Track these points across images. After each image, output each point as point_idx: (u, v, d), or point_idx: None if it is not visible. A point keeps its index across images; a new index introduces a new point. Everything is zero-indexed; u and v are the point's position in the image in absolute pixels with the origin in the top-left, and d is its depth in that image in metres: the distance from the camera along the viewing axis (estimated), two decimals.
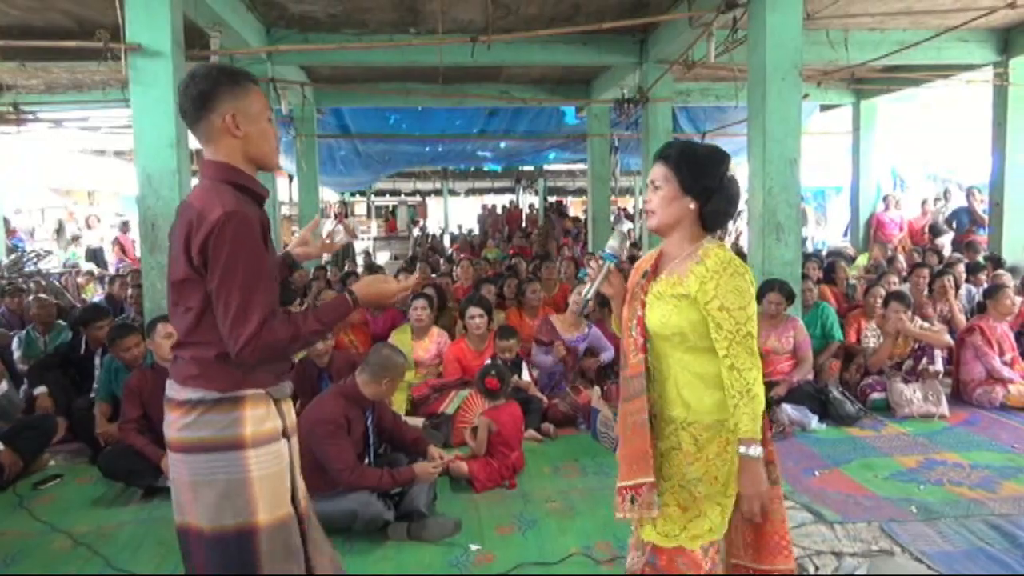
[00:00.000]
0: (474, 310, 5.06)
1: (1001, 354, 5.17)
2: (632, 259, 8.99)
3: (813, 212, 15.02)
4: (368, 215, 22.53)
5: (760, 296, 4.92)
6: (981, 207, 9.20)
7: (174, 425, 1.77)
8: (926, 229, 10.80)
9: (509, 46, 7.13)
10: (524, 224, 17.50)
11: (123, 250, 12.07)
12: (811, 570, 2.87)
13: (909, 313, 5.13)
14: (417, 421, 4.55)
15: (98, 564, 3.09)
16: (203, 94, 1.76)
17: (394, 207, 21.84)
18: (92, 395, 4.68)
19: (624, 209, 19.26)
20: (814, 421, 4.65)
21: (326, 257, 10.02)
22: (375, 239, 17.77)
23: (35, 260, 10.66)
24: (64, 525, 3.47)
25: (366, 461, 3.40)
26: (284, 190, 12.56)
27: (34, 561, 3.16)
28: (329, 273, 8.48)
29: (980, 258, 7.77)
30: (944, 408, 4.85)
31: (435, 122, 11.59)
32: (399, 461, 3.49)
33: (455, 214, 23.27)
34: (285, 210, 14.25)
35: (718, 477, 1.88)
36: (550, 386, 5.10)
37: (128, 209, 15.45)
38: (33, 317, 5.77)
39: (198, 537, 1.78)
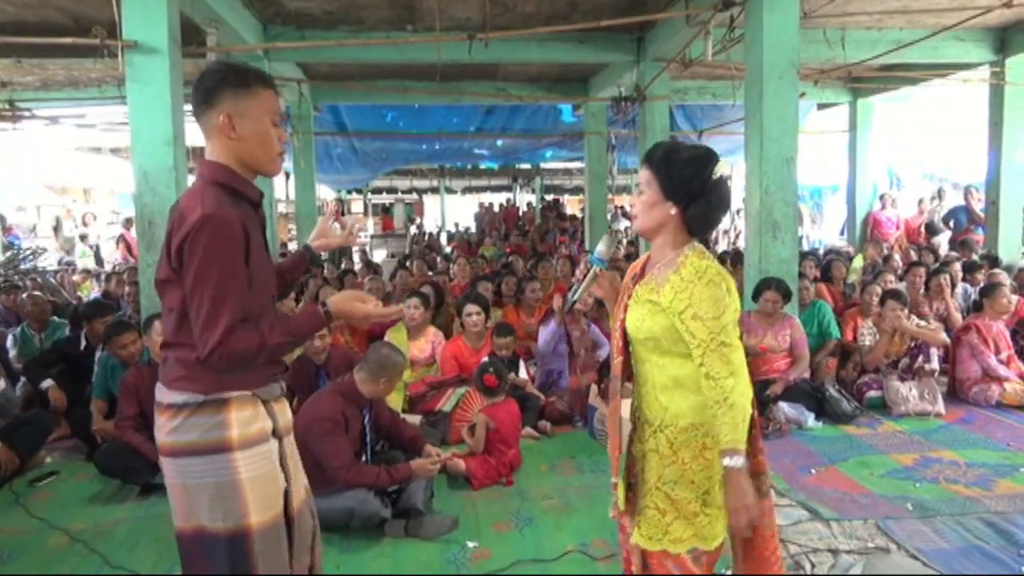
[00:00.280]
0: (471, 307, 5.05)
1: (997, 352, 5.19)
2: (629, 257, 9.04)
3: (809, 211, 15.04)
4: (365, 212, 22.49)
5: (757, 294, 4.94)
6: (979, 206, 9.23)
7: (163, 429, 1.77)
8: (922, 228, 10.83)
9: (506, 44, 7.12)
10: (521, 222, 17.49)
11: (128, 247, 11.82)
12: (807, 568, 2.88)
13: (905, 311, 5.14)
14: (415, 419, 4.54)
15: (95, 561, 3.09)
16: (207, 90, 1.76)
17: (391, 205, 21.81)
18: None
19: (621, 207, 19.24)
20: (810, 419, 4.67)
21: (324, 255, 9.99)
22: (372, 236, 17.74)
23: (31, 257, 10.64)
24: (61, 522, 3.47)
25: (363, 459, 3.40)
26: (281, 188, 12.52)
27: (30, 558, 3.16)
28: (327, 271, 8.46)
29: (976, 257, 7.80)
30: (940, 406, 4.87)
31: (432, 120, 11.57)
32: (396, 459, 3.49)
33: (452, 212, 23.29)
34: (282, 208, 14.23)
35: (695, 481, 1.85)
36: (548, 384, 5.11)
37: (124, 206, 15.38)
38: (27, 315, 5.76)
39: (193, 540, 1.78)
